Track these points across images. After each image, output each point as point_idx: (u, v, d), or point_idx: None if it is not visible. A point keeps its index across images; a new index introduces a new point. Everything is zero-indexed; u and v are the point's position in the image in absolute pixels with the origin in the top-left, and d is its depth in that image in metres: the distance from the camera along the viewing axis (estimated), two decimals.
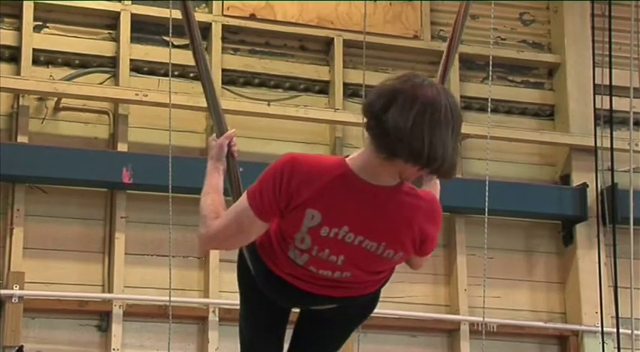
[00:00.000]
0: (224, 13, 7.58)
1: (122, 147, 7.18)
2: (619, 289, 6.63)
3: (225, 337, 7.01)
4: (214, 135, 3.56)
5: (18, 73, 7.10)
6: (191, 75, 7.37)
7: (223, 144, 3.45)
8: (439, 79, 3.73)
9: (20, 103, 7.07)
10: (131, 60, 7.37)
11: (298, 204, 3.01)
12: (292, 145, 7.49)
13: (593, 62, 7.89)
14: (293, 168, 3.02)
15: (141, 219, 7.17)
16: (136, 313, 7.04)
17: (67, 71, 7.32)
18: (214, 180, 3.41)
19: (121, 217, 7.13)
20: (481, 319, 7.16)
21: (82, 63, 7.37)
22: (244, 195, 3.15)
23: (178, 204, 6.58)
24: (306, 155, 3.13)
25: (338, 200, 3.00)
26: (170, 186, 5.99)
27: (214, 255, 7.17)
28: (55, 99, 7.16)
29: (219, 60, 7.46)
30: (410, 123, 2.84)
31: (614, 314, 6.65)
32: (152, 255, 7.07)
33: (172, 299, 6.31)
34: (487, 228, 7.10)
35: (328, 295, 3.23)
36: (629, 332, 6.51)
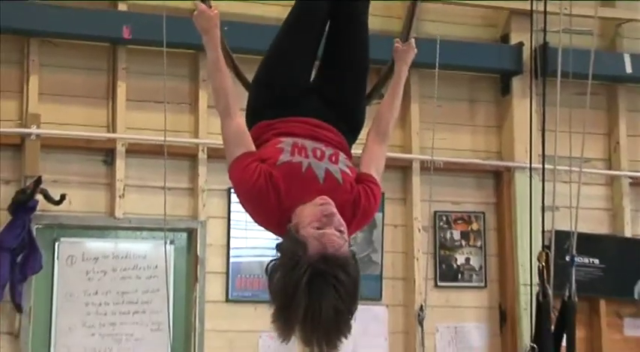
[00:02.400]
0: None
1: (122, 6, 7.12)
2: (546, 132, 6.72)
3: (212, 171, 7.10)
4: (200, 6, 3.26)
5: None
6: None
7: (208, 14, 3.21)
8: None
9: None
10: None
11: None
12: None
13: None
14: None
15: (140, 70, 7.11)
16: (136, 150, 7.06)
17: None
18: (211, 53, 3.20)
19: (122, 68, 7.09)
20: (430, 157, 7.36)
21: None
22: (242, 149, 3.08)
23: (172, 57, 6.49)
24: None
25: None
26: (164, 41, 6.00)
27: (203, 101, 7.20)
28: None
29: None
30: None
31: (540, 153, 6.77)
32: (150, 101, 7.02)
33: (167, 139, 6.30)
34: (437, 80, 7.21)
35: None
36: (552, 167, 6.64)
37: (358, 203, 3.10)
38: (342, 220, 2.93)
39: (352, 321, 2.82)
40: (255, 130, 3.23)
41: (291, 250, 2.84)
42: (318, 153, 3.11)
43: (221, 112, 3.17)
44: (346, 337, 2.81)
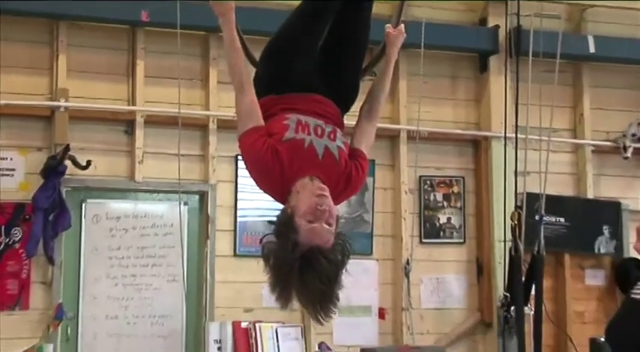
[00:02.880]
0: None
1: None
2: (519, 105, 6.76)
3: (221, 140, 7.10)
4: None
5: None
6: None
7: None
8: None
9: None
10: None
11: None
12: None
13: None
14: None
15: (156, 50, 7.06)
16: (153, 121, 7.01)
17: None
18: (228, 34, 3.15)
19: (141, 48, 7.06)
20: (416, 128, 7.40)
21: None
22: (252, 122, 3.08)
23: (185, 38, 6.59)
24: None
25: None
26: (178, 24, 6.04)
27: (213, 77, 7.17)
28: None
29: None
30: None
31: (514, 124, 6.80)
32: (165, 78, 6.94)
33: (181, 111, 6.35)
34: (422, 59, 7.25)
35: None
36: (524, 136, 6.69)
37: (349, 177, 3.16)
38: (332, 211, 2.98)
39: (338, 295, 2.97)
40: (262, 102, 3.19)
41: (286, 234, 2.95)
42: (319, 130, 3.13)
43: (236, 87, 3.15)
44: (334, 309, 2.97)
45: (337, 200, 3.13)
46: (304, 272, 2.91)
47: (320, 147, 3.10)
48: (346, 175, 3.15)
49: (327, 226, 2.95)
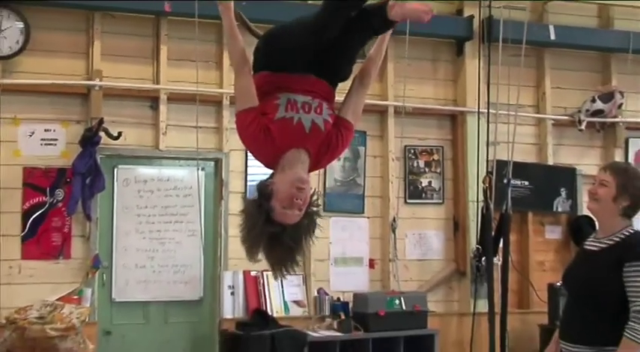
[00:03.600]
0: None
1: None
2: (490, 84, 6.78)
3: (233, 115, 6.90)
4: None
5: None
6: None
7: None
8: None
9: None
10: None
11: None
12: None
13: None
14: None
15: (177, 36, 7.08)
16: (175, 98, 7.03)
17: None
18: (227, 22, 3.11)
19: (164, 34, 7.07)
20: (402, 104, 7.46)
21: None
22: (249, 96, 3.05)
23: (202, 26, 6.60)
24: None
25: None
26: (196, 14, 6.07)
27: (227, 60, 7.11)
28: None
29: None
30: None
31: (486, 100, 6.81)
32: (185, 60, 6.94)
33: (199, 89, 6.40)
34: (407, 44, 7.26)
35: None
36: (495, 111, 6.72)
37: (329, 144, 3.14)
38: (307, 200, 2.99)
39: (297, 260, 3.06)
40: (257, 78, 3.13)
41: (262, 208, 2.95)
42: (307, 107, 3.08)
43: (235, 69, 3.14)
44: (292, 271, 3.05)
45: (321, 164, 3.18)
46: (271, 244, 2.98)
47: (307, 122, 3.07)
48: (328, 143, 3.14)
49: (297, 212, 2.97)
